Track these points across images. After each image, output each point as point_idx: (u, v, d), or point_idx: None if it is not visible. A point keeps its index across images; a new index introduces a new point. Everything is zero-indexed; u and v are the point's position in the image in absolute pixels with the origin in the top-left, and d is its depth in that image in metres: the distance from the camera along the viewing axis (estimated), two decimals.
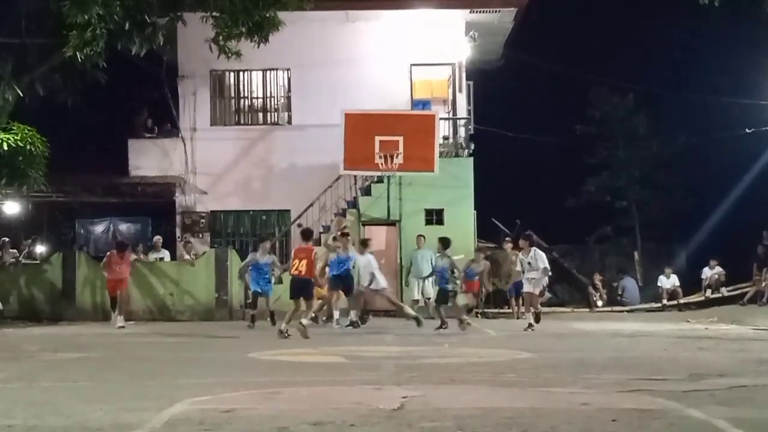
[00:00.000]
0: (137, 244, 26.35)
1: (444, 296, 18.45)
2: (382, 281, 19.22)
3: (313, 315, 17.38)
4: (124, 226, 27.83)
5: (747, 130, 24.12)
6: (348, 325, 19.17)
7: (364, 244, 20.44)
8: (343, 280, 18.78)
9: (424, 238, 24.24)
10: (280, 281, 20.92)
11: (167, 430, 6.17)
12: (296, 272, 16.21)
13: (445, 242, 18.77)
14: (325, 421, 6.36)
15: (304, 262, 16.17)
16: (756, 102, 24.93)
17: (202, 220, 27.08)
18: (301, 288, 16.26)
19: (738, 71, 27.91)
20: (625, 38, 40.44)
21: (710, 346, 13.63)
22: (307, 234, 17.63)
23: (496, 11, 27.53)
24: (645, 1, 36.85)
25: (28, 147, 22.85)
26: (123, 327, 18.77)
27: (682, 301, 28.06)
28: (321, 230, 24.69)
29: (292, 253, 17.37)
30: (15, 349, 14.56)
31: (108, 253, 21.17)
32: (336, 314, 19.82)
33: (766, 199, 20.66)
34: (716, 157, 31.79)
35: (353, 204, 25.95)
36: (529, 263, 17.81)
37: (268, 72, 27.65)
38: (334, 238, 20.33)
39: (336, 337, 16.45)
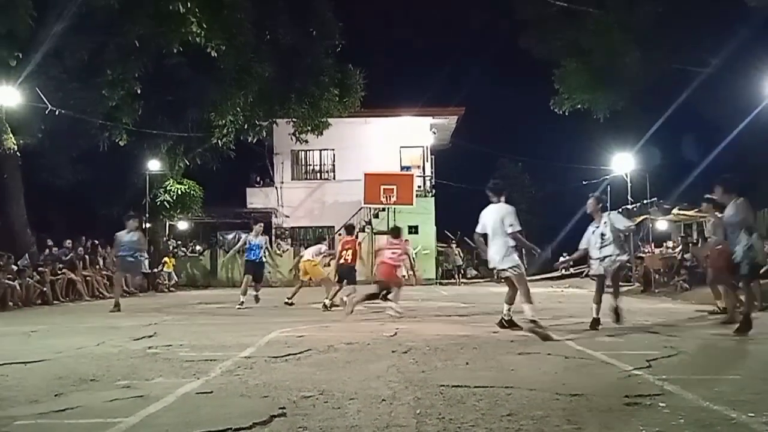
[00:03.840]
0: None
1: None
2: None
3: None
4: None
5: (583, 182, 24.13)
6: None
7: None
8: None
9: (409, 241, 24.26)
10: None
11: (267, 346, 6.16)
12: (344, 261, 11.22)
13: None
14: (353, 341, 6.35)
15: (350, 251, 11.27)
16: (588, 167, 25.04)
17: (286, 232, 27.10)
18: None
19: (578, 149, 28.03)
20: (518, 131, 40.57)
21: (564, 301, 13.57)
22: (350, 229, 12.57)
23: (446, 118, 27.88)
24: (527, 110, 36.91)
25: (191, 192, 22.98)
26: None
27: (548, 275, 28.04)
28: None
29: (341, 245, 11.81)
30: (183, 302, 14.54)
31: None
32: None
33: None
34: (566, 197, 31.83)
35: (369, 222, 25.98)
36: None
37: (322, 151, 27.72)
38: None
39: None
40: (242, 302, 11.77)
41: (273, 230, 27.07)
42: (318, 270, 12.24)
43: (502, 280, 7.62)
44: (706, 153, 19.27)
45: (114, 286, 12.75)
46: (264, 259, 12.55)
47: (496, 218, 7.14)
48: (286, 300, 12.15)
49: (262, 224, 12.97)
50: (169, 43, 16.32)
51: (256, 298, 12.17)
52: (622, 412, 3.43)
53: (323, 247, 12.97)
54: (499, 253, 7.08)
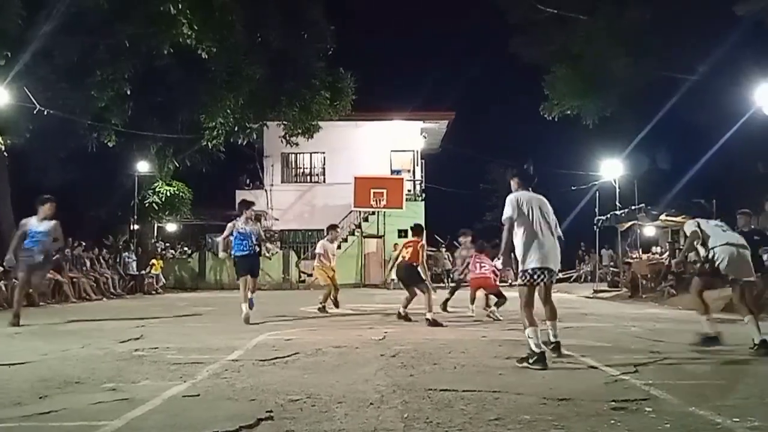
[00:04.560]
0: None
1: None
2: None
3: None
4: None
5: (572, 188, 24.24)
6: None
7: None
8: None
9: (398, 245, 24.26)
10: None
11: (254, 350, 6.14)
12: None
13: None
14: (342, 345, 6.34)
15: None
16: (577, 172, 25.13)
17: (276, 234, 26.98)
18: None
19: (567, 155, 28.16)
20: (508, 136, 40.67)
21: None
22: (416, 229, 10.24)
23: (437, 122, 27.92)
24: (516, 115, 37.05)
25: (180, 193, 22.93)
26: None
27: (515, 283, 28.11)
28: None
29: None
30: (171, 305, 14.45)
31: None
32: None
33: (581, 226, 20.88)
34: (555, 202, 31.81)
35: (359, 226, 25.98)
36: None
37: (313, 154, 27.68)
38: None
39: (347, 297, 16.25)
40: (247, 314, 9.15)
41: (263, 233, 27.02)
42: (317, 271, 11.88)
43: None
44: (693, 160, 19.43)
45: (16, 291, 9.49)
46: (257, 251, 9.86)
47: (544, 209, 5.62)
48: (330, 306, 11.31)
49: (254, 207, 10.08)
50: (160, 45, 16.25)
51: (250, 304, 9.42)
52: (609, 416, 3.44)
53: (322, 245, 11.78)
54: (556, 253, 5.50)
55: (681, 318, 10.31)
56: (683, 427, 3.25)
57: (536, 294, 5.50)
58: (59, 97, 15.78)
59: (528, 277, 5.36)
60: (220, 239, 10.11)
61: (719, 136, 17.42)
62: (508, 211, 5.49)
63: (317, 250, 11.84)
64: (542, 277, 5.37)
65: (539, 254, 5.33)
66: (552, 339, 5.63)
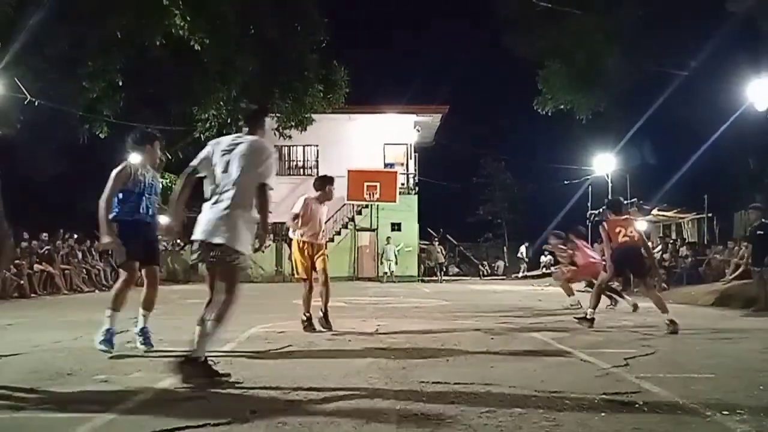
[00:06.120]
0: None
1: None
2: None
3: None
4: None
5: (565, 182, 24.31)
6: None
7: None
8: None
9: (390, 238, 24.32)
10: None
11: (247, 342, 6.14)
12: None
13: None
14: (334, 337, 6.35)
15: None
16: (570, 167, 25.20)
17: (269, 227, 26.97)
18: None
19: (560, 149, 28.20)
20: (500, 130, 40.75)
21: (544, 299, 13.62)
22: (616, 205, 7.98)
23: (430, 115, 27.90)
24: (510, 110, 37.09)
25: (173, 186, 22.73)
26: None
27: (529, 273, 28.26)
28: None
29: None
30: (163, 297, 14.36)
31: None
32: None
33: (574, 220, 20.95)
34: (548, 196, 32.02)
35: (352, 219, 25.99)
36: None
37: (306, 147, 27.65)
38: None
39: (340, 290, 16.24)
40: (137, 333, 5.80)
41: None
42: (294, 252, 7.32)
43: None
44: (685, 155, 19.51)
45: None
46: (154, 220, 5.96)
47: (233, 159, 4.44)
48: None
49: (157, 135, 6.31)
50: (152, 36, 16.13)
51: (143, 336, 5.79)
52: (600, 409, 3.46)
53: (303, 204, 7.31)
54: (217, 220, 4.44)
55: (672, 312, 10.37)
56: (673, 419, 3.27)
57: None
58: (50, 88, 15.65)
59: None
60: (102, 201, 5.52)
61: (712, 132, 17.49)
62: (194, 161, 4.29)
63: (294, 210, 7.31)
64: (199, 253, 4.39)
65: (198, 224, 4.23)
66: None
